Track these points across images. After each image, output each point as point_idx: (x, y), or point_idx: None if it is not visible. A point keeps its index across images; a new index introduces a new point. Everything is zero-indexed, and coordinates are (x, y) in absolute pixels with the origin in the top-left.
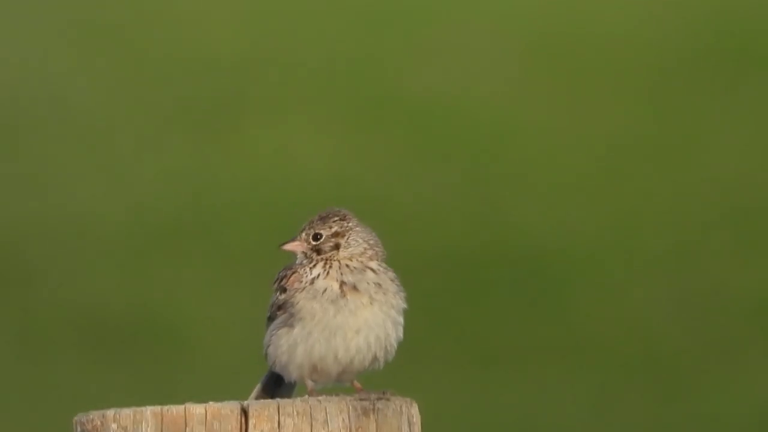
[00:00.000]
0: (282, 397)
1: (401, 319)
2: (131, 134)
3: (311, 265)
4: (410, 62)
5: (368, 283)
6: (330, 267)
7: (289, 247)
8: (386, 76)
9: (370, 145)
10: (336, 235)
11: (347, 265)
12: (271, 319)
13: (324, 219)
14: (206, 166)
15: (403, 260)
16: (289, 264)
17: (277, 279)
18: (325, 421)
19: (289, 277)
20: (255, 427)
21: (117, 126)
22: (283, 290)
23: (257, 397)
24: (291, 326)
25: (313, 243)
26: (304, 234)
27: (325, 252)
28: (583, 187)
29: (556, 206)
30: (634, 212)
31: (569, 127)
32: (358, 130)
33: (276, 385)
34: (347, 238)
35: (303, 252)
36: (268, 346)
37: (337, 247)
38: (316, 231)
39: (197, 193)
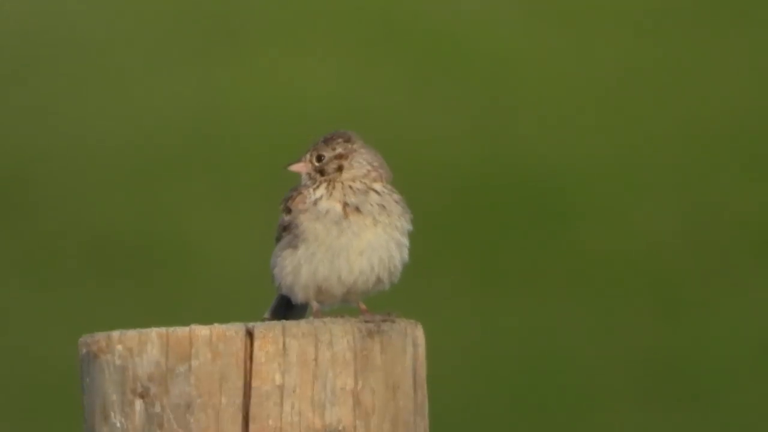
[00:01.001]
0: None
1: (406, 241)
2: (138, 58)
3: (315, 187)
4: None
5: (372, 204)
6: (333, 188)
7: (294, 168)
8: (397, 2)
9: (380, 70)
10: (339, 156)
11: (350, 187)
12: (278, 240)
13: (328, 141)
14: (214, 89)
15: (410, 183)
16: (296, 185)
17: (284, 200)
18: (330, 343)
19: (294, 198)
20: (260, 348)
21: (124, 49)
22: (288, 211)
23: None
24: (295, 247)
25: (317, 164)
26: (308, 155)
27: (329, 173)
28: (590, 112)
29: (563, 131)
30: (640, 137)
31: (576, 53)
32: (367, 56)
33: (286, 309)
34: (350, 160)
35: (307, 173)
36: (274, 267)
37: (340, 168)
38: (320, 152)
39: (205, 116)
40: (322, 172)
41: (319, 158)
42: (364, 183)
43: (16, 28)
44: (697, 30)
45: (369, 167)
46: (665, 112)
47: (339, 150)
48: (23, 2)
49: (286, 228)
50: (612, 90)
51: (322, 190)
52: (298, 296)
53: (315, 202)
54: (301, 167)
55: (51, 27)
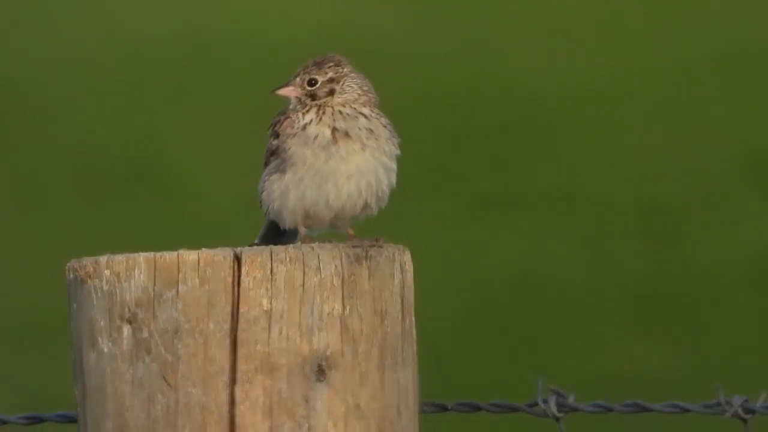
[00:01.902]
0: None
1: (394, 166)
2: None
3: (304, 111)
4: None
5: (360, 129)
6: (323, 113)
7: (283, 92)
8: None
9: None
10: (331, 80)
11: (340, 112)
12: (266, 165)
13: (319, 64)
14: (202, 10)
15: (397, 106)
16: (284, 109)
17: (272, 124)
18: (318, 268)
19: (282, 122)
20: (248, 273)
21: None
22: (276, 135)
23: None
24: (283, 172)
25: (308, 88)
26: (298, 79)
27: (320, 98)
28: (577, 33)
29: (550, 53)
30: (628, 57)
31: None
32: None
33: (276, 236)
34: (342, 84)
35: (297, 97)
36: (262, 191)
37: (332, 92)
38: (312, 76)
39: (193, 39)
40: (313, 96)
41: (311, 82)
42: (354, 108)
43: None
44: None
45: (360, 91)
46: (655, 32)
47: (330, 74)
48: None
49: (273, 153)
50: (601, 12)
51: (311, 115)
52: (286, 221)
53: (304, 127)
54: (290, 91)
55: None
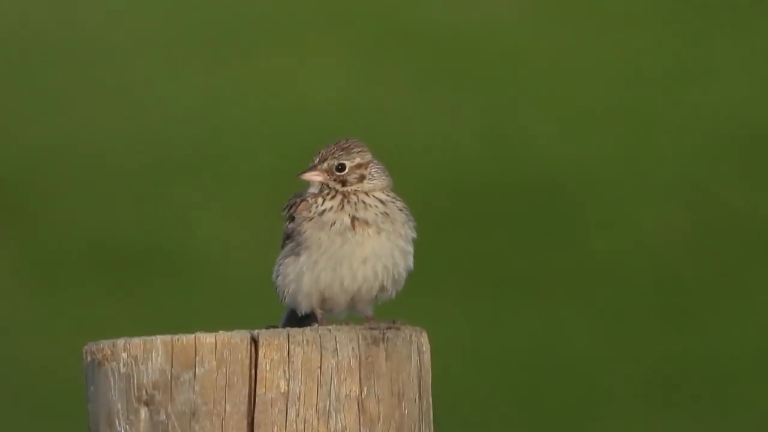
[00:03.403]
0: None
1: (411, 249)
2: (145, 62)
3: (326, 196)
4: None
5: (377, 214)
6: (347, 201)
7: (308, 176)
8: (404, 5)
9: (384, 72)
10: (359, 166)
11: (363, 201)
12: (282, 248)
13: (346, 149)
14: (219, 93)
15: (415, 187)
16: (299, 192)
17: (287, 206)
18: (335, 350)
19: (298, 205)
20: (265, 356)
21: (131, 54)
22: (292, 219)
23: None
24: (297, 255)
25: (337, 174)
26: (326, 164)
27: (351, 183)
28: (597, 114)
29: (569, 134)
30: (647, 139)
31: (583, 55)
32: (371, 58)
33: (298, 323)
34: (370, 170)
35: (323, 182)
36: (277, 276)
37: (362, 178)
38: (340, 161)
39: (210, 120)
40: (343, 182)
41: (339, 168)
42: (374, 195)
43: (25, 31)
44: (704, 32)
45: (383, 176)
46: (674, 115)
47: (358, 159)
48: (32, 5)
49: (289, 236)
50: (620, 92)
51: (332, 202)
52: (302, 305)
53: (322, 213)
54: (315, 176)
55: (60, 31)
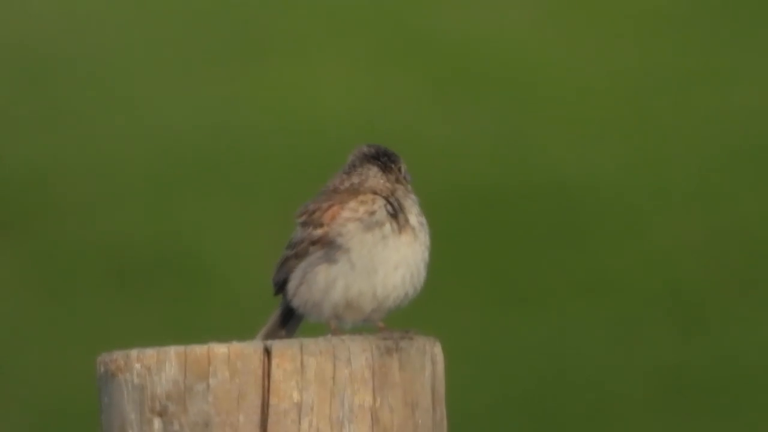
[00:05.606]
0: (287, 335)
1: (428, 257)
2: (156, 72)
3: (386, 199)
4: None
5: (420, 222)
6: (402, 208)
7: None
8: (415, 13)
9: (398, 82)
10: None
11: (409, 205)
12: (298, 256)
13: (393, 156)
14: (231, 101)
15: (426, 195)
16: (315, 197)
17: (305, 212)
18: (348, 360)
19: (326, 211)
20: (278, 366)
21: (142, 64)
22: (319, 225)
23: (267, 336)
24: (334, 261)
25: (399, 174)
26: (402, 171)
27: (405, 185)
28: (610, 122)
29: (583, 144)
30: (660, 150)
31: (596, 62)
32: (385, 67)
33: (281, 324)
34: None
35: (387, 183)
36: (300, 284)
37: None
38: (400, 165)
39: (222, 128)
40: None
41: (401, 170)
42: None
43: (38, 41)
44: (717, 39)
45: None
46: (688, 123)
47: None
48: (44, 16)
49: (315, 242)
50: (633, 102)
51: (381, 202)
52: (324, 313)
53: (374, 212)
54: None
55: (72, 41)
